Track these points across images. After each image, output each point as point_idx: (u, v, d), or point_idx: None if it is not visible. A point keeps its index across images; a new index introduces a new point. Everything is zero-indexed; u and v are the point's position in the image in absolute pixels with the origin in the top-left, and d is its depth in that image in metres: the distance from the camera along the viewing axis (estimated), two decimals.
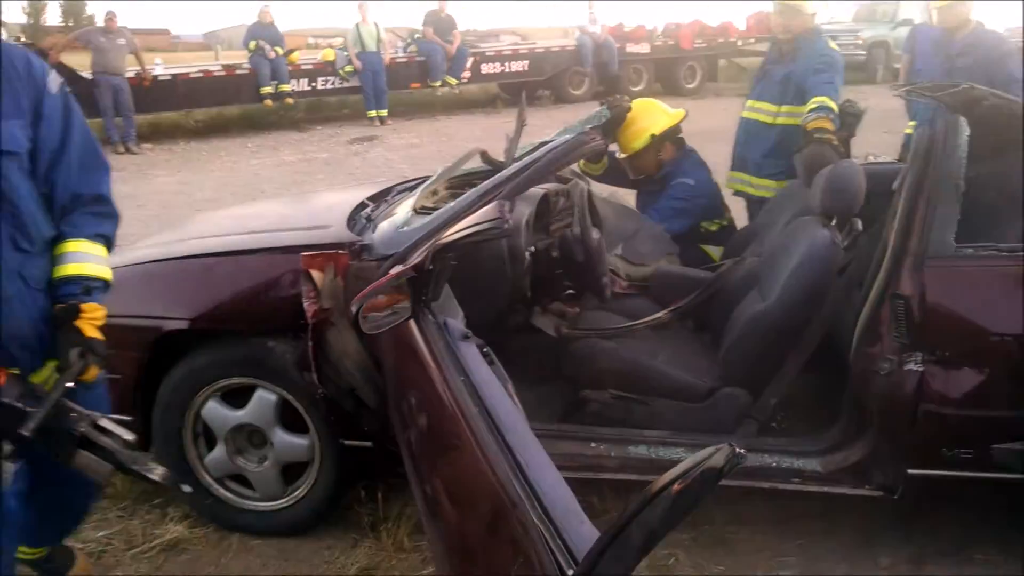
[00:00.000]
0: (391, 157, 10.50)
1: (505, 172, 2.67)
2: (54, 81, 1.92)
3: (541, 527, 1.40)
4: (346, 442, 2.62)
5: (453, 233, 2.09)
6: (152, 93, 11.82)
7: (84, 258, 1.94)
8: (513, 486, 1.52)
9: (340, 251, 2.53)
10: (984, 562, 2.55)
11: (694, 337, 3.20)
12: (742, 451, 1.11)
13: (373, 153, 10.89)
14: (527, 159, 2.68)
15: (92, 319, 1.90)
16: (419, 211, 2.81)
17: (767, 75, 4.10)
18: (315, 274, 2.46)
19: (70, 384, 1.81)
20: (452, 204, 2.63)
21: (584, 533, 1.37)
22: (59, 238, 1.93)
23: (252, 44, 12.48)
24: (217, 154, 11.09)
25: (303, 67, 13.14)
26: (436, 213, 2.64)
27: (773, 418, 2.69)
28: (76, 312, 1.88)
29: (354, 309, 2.24)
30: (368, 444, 2.60)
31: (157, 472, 1.82)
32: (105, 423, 1.80)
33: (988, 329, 2.29)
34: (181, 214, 7.80)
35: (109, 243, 2.02)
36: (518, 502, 1.48)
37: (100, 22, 12.11)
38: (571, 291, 3.40)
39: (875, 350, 2.37)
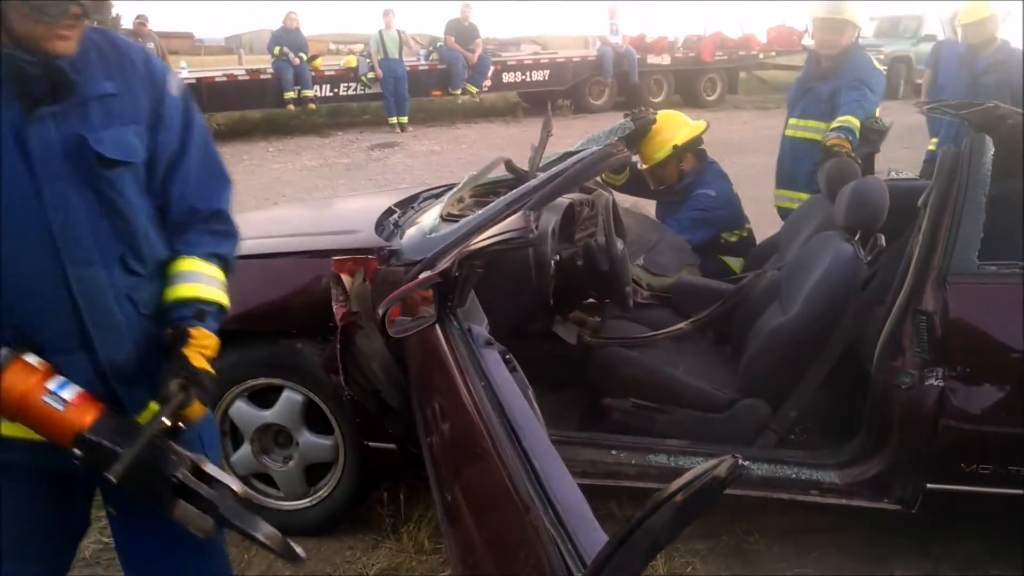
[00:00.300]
0: (411, 164, 10.58)
1: (533, 182, 2.71)
2: (174, 81, 1.70)
3: (553, 531, 1.42)
4: (370, 444, 2.66)
5: (480, 241, 2.13)
6: None
7: (198, 279, 1.70)
8: (527, 490, 1.54)
9: (369, 256, 2.58)
10: None
11: (714, 349, 3.23)
12: (746, 463, 1.14)
13: (394, 159, 10.96)
14: (554, 170, 2.72)
15: (201, 347, 1.62)
16: (446, 218, 2.86)
17: (809, 92, 4.05)
18: (345, 278, 2.52)
19: (167, 421, 1.53)
20: (480, 212, 2.67)
21: (595, 539, 1.39)
22: (171, 257, 1.71)
23: (276, 49, 12.62)
24: (239, 158, 11.20)
25: (326, 73, 13.27)
26: (463, 221, 2.69)
27: (792, 430, 2.71)
28: (184, 338, 1.62)
29: (381, 312, 2.28)
30: (392, 446, 2.64)
31: (264, 531, 1.57)
32: (209, 468, 1.57)
33: (1009, 346, 2.31)
34: None
35: (227, 265, 1.77)
36: (532, 506, 1.50)
37: (128, 25, 12.31)
38: (592, 300, 3.43)
39: (897, 364, 2.39)
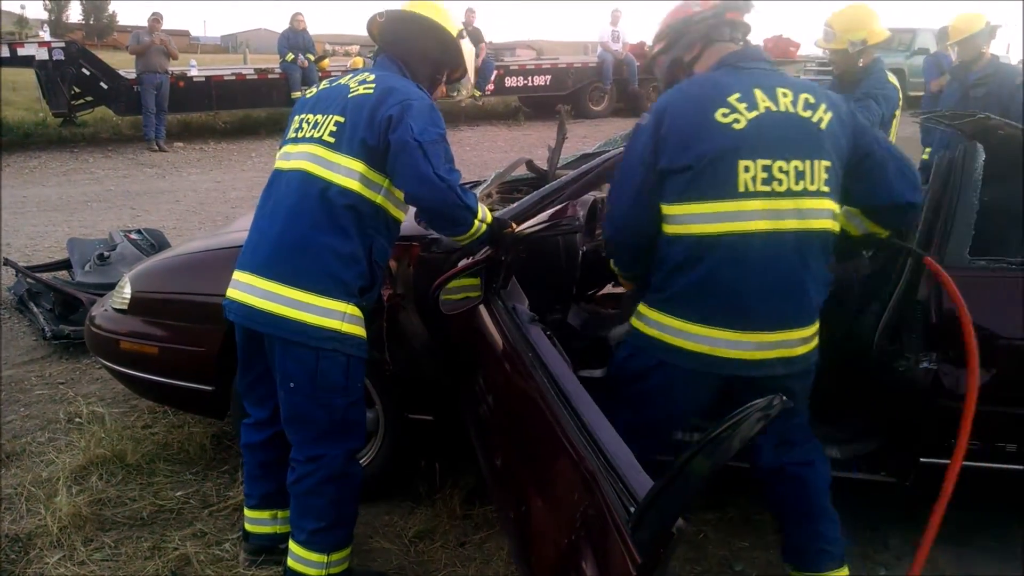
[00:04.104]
0: None
1: (565, 177, 2.94)
2: None
3: (606, 474, 1.64)
4: (410, 416, 2.89)
5: (528, 227, 2.36)
6: (186, 94, 12.16)
7: None
8: (581, 443, 1.77)
9: (413, 243, 2.81)
10: (985, 548, 2.80)
11: None
12: (786, 398, 1.36)
13: None
14: (585, 167, 2.95)
15: None
16: None
17: None
18: (391, 262, 2.74)
19: None
20: (514, 205, 2.90)
21: (642, 481, 1.61)
22: None
23: (289, 56, 12.82)
24: (248, 155, 11.40)
25: (333, 74, 13.45)
26: (497, 213, 2.91)
27: None
28: None
29: (433, 293, 2.52)
30: (430, 418, 2.87)
31: None
32: None
33: (996, 333, 2.55)
34: (218, 211, 8.11)
35: None
36: (585, 456, 1.73)
37: (131, 22, 12.51)
38: (607, 292, 3.67)
39: (894, 349, 2.63)
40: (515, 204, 2.90)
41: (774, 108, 2.11)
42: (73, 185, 9.48)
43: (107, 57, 13.26)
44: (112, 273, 4.84)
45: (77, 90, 11.82)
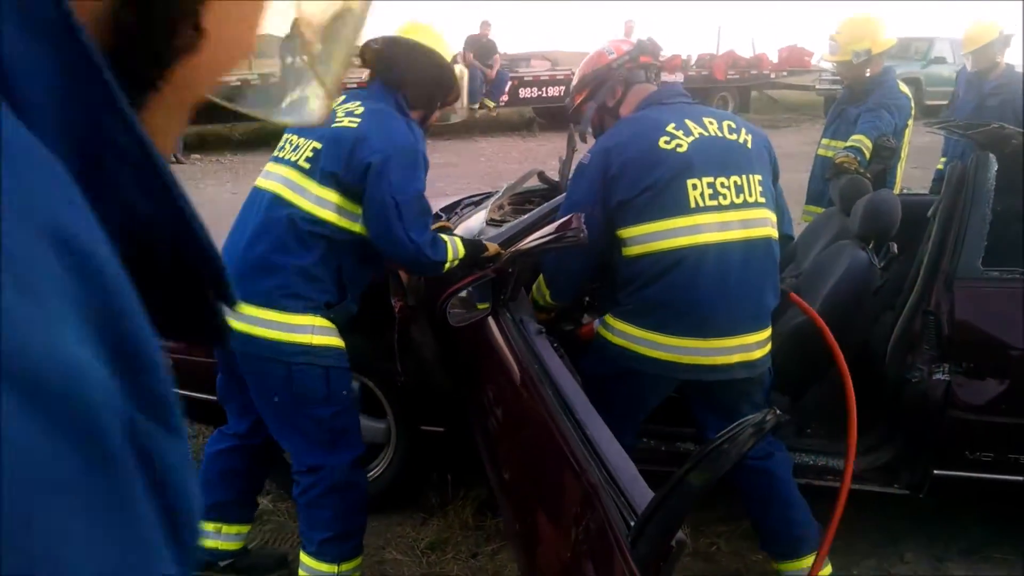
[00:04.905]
0: (430, 175, 10.65)
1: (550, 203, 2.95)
2: None
3: (608, 487, 1.65)
4: (423, 427, 2.90)
5: (533, 240, 2.37)
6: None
7: None
8: (584, 455, 1.77)
9: None
10: (1000, 561, 2.77)
11: None
12: (780, 412, 1.36)
13: None
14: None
15: None
16: (490, 222, 3.11)
17: (842, 115, 4.29)
18: (402, 274, 2.75)
19: None
20: (524, 216, 2.92)
21: (643, 493, 1.61)
22: None
23: None
24: (260, 168, 11.42)
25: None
26: (509, 224, 2.93)
27: (810, 422, 2.93)
28: None
29: (441, 306, 2.53)
30: (441, 430, 2.88)
31: None
32: None
33: (1010, 344, 2.53)
34: None
35: None
36: (587, 468, 1.73)
37: None
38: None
39: (907, 360, 2.61)
40: (524, 216, 2.92)
41: (706, 133, 2.35)
42: None
43: None
44: None
45: None
